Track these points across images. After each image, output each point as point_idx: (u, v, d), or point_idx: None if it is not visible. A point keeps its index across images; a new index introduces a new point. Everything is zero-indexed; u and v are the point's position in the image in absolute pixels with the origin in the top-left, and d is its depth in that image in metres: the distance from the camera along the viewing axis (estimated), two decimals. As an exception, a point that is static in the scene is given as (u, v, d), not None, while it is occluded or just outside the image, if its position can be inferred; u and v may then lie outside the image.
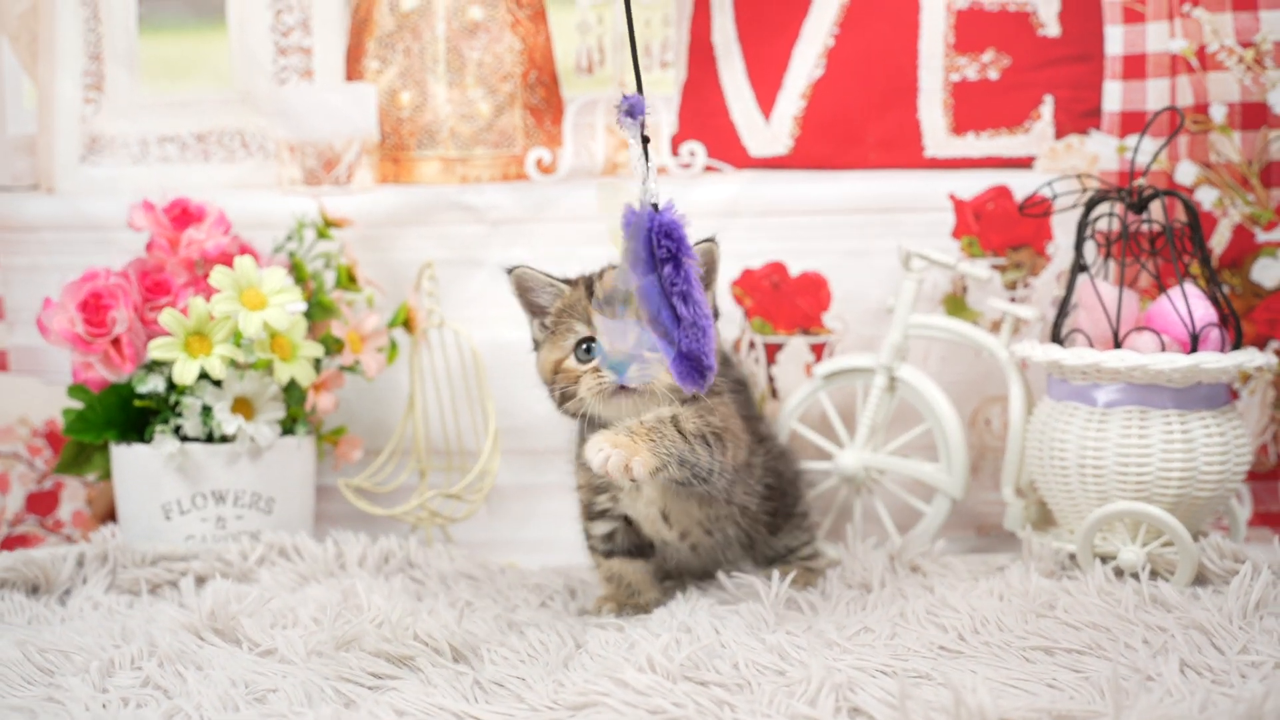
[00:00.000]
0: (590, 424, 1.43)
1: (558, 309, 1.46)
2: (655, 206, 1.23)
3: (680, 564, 1.58)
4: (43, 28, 1.97)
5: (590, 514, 1.54)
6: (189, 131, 1.97)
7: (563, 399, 1.45)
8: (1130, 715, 1.04)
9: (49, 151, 1.98)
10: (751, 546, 1.58)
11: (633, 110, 1.23)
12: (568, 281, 1.48)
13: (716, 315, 1.50)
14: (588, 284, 1.45)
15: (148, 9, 1.97)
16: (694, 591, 1.53)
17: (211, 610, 1.39)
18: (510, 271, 1.49)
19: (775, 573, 1.48)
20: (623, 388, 1.39)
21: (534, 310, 1.50)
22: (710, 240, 1.45)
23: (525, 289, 1.49)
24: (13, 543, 1.92)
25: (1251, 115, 1.75)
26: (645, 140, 1.25)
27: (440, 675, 1.23)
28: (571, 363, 1.43)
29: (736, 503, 1.51)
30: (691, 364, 1.26)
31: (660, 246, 1.23)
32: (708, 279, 1.45)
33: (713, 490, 1.42)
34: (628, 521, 1.52)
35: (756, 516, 1.55)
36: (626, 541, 1.53)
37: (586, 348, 1.43)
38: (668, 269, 1.24)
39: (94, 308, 1.64)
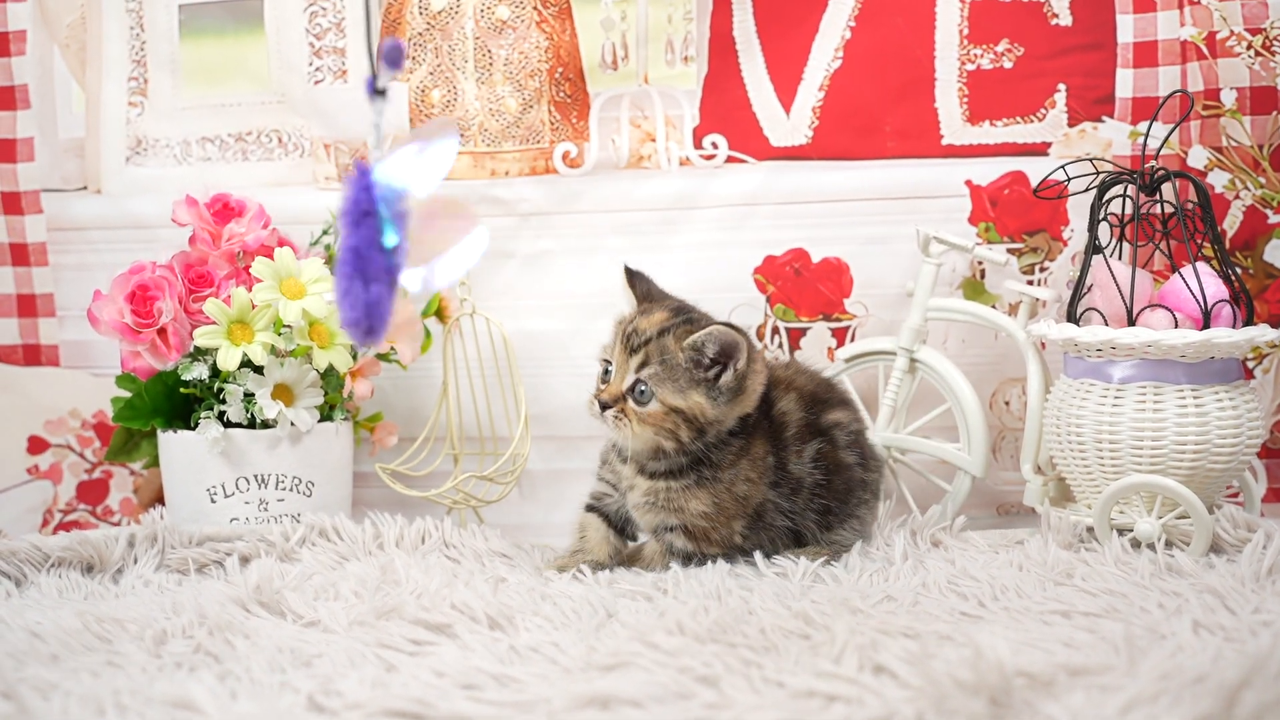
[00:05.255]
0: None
1: (616, 325, 1.58)
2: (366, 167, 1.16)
3: None
4: (90, 37, 2.05)
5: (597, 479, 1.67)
6: (228, 132, 2.04)
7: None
8: (1142, 668, 1.08)
9: (96, 154, 2.05)
10: (799, 540, 1.61)
11: (393, 57, 1.07)
12: (645, 306, 1.58)
13: (727, 395, 1.52)
14: (628, 320, 1.55)
15: (188, 16, 2.03)
16: (721, 564, 1.57)
17: (257, 585, 1.44)
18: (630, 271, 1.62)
19: (803, 557, 1.54)
20: (605, 411, 1.52)
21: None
22: (729, 326, 1.49)
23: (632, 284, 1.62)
24: (66, 529, 1.99)
25: (1261, 99, 1.78)
26: (381, 92, 1.11)
27: (477, 641, 1.28)
28: (599, 382, 1.55)
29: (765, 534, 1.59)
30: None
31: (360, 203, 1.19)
32: (722, 363, 1.51)
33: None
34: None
35: (803, 518, 1.60)
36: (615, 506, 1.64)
37: (605, 370, 1.54)
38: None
39: (141, 299, 1.71)
